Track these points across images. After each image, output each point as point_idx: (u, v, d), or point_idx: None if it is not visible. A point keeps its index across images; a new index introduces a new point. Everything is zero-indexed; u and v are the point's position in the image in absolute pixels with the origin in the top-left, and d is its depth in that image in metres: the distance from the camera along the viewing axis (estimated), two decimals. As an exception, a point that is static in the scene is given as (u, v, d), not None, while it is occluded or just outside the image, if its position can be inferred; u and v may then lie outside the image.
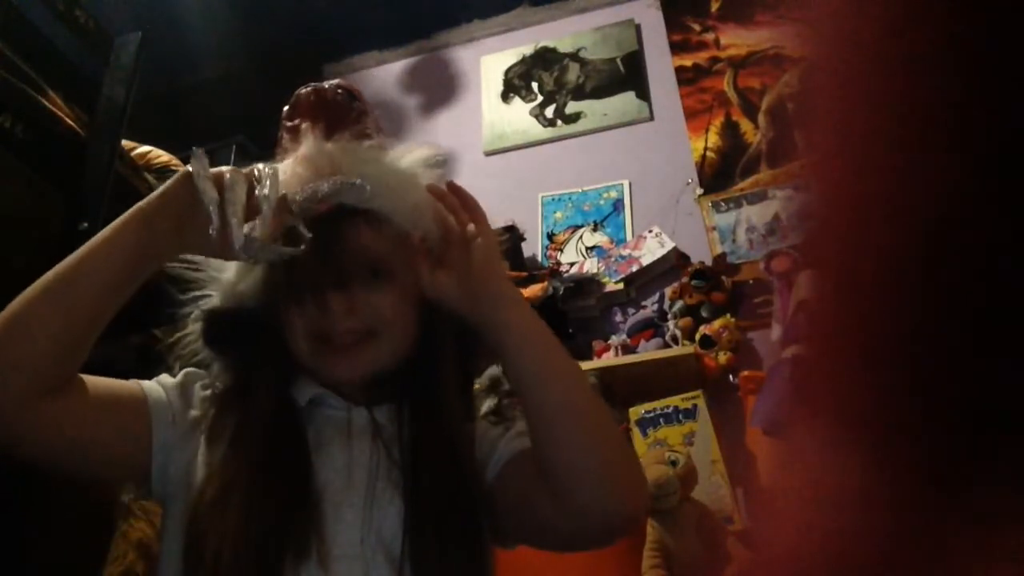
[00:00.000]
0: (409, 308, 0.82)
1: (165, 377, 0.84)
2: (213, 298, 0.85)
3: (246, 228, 0.69)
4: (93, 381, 0.75)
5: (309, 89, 0.96)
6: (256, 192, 0.71)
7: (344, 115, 0.91)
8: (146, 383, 0.80)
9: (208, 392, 0.83)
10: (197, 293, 0.85)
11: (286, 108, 0.95)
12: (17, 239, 1.60)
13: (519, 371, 0.74)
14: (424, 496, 0.75)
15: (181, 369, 0.85)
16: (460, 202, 0.79)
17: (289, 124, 0.91)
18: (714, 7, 2.79)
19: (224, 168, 0.72)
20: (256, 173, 0.72)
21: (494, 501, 0.79)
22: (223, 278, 0.85)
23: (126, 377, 0.81)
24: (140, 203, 0.72)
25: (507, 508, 0.79)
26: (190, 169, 0.71)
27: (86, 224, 1.56)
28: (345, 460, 0.78)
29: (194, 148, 0.71)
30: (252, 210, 0.70)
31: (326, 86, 0.96)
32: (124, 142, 1.80)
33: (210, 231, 0.69)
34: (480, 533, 0.76)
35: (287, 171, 0.80)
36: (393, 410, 0.82)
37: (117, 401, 0.76)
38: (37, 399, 0.68)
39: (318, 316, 0.79)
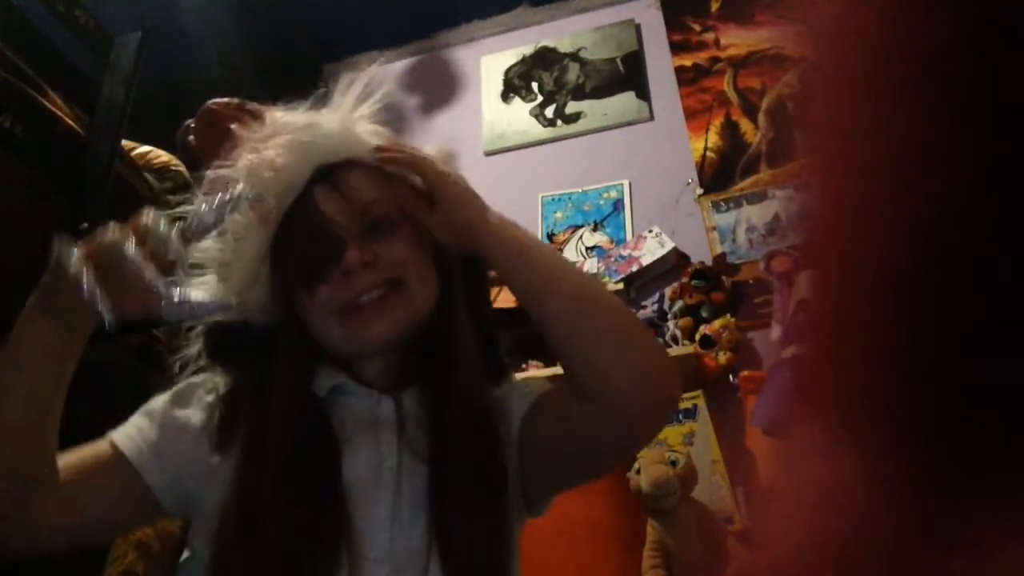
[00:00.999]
0: (421, 252, 0.81)
1: (151, 404, 0.81)
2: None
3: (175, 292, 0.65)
4: (68, 463, 0.73)
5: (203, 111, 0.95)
6: (154, 247, 0.66)
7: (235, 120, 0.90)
8: (117, 435, 0.78)
9: (213, 396, 0.81)
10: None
11: (190, 136, 0.96)
12: (17, 239, 1.60)
13: (519, 288, 0.75)
14: (451, 488, 0.73)
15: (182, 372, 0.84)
16: (400, 152, 0.79)
17: (202, 139, 0.92)
18: (714, 7, 2.79)
19: (103, 240, 0.67)
20: (143, 227, 0.67)
21: (524, 464, 0.78)
22: (222, 292, 0.82)
23: (126, 376, 0.81)
24: (31, 300, 0.68)
25: (539, 460, 0.78)
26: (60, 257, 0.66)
27: (86, 224, 1.56)
28: (372, 454, 0.76)
29: (56, 236, 0.67)
30: (160, 267, 0.66)
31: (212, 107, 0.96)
32: (124, 142, 1.80)
33: (102, 312, 0.63)
34: (509, 519, 0.75)
35: (254, 160, 0.78)
36: (419, 393, 0.80)
37: (98, 471, 0.74)
38: (24, 508, 0.68)
39: (337, 287, 0.77)
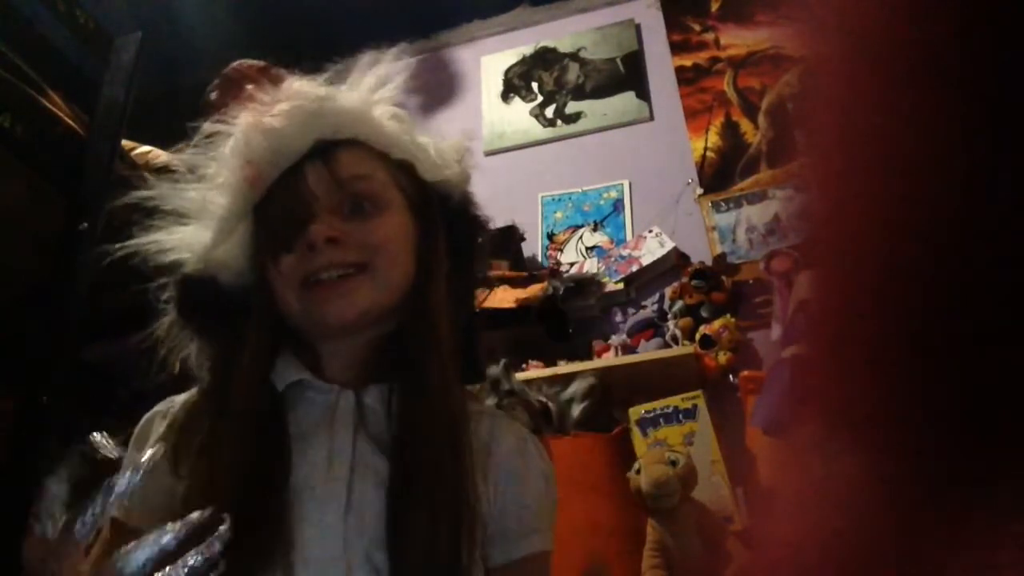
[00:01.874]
0: (402, 241, 0.79)
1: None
2: (187, 264, 0.81)
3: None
4: None
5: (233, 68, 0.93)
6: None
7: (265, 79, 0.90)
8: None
9: (168, 417, 0.78)
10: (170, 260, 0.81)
11: (211, 94, 0.93)
12: (17, 239, 1.60)
13: None
14: (409, 487, 0.70)
15: (173, 362, 0.81)
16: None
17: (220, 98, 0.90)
18: (714, 7, 2.79)
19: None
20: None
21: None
22: (197, 243, 0.80)
23: (127, 377, 0.81)
24: None
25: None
26: None
27: (86, 224, 1.56)
28: (326, 451, 0.73)
29: None
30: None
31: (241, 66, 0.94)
32: (124, 142, 1.80)
33: None
34: (470, 523, 0.71)
35: (250, 120, 0.78)
36: (384, 391, 0.77)
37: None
38: None
39: (299, 260, 0.75)
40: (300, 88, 0.81)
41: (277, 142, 0.77)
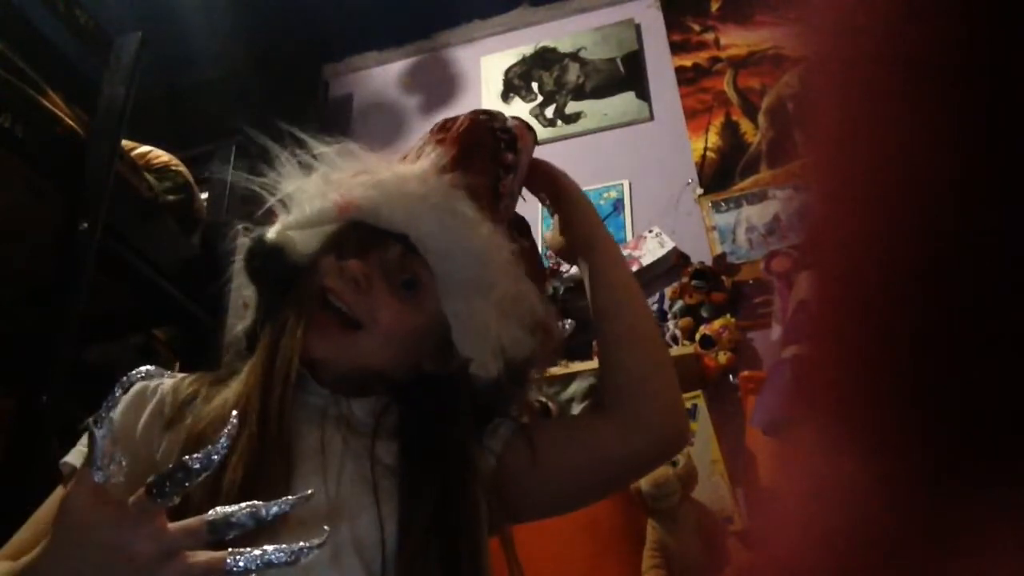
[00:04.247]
0: (411, 335, 0.79)
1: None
2: (270, 231, 0.85)
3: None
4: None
5: (472, 119, 0.90)
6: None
7: (485, 158, 0.88)
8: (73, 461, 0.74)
9: (161, 388, 0.78)
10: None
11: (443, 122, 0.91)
12: (17, 239, 1.60)
13: (605, 291, 0.86)
14: (409, 497, 0.72)
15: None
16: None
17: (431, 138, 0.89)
18: (714, 7, 2.79)
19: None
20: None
21: (499, 484, 0.78)
22: (283, 217, 0.84)
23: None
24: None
25: (528, 481, 0.79)
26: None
27: (86, 224, 1.56)
28: (317, 442, 0.74)
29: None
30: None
31: (490, 119, 0.91)
32: (124, 142, 1.80)
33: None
34: (469, 526, 0.73)
35: (380, 180, 0.81)
36: (374, 404, 0.79)
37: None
38: None
39: (333, 272, 0.77)
40: (445, 190, 0.81)
41: (376, 207, 0.80)
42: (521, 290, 0.82)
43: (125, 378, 0.74)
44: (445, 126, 0.89)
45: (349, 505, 0.71)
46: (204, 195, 2.29)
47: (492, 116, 0.91)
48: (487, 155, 0.87)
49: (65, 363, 1.48)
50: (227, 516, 0.57)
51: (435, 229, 0.80)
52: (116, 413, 0.75)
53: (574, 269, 2.43)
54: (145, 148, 2.10)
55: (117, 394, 0.67)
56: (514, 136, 0.90)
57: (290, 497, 0.58)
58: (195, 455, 0.56)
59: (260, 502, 0.57)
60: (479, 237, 0.80)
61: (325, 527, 0.58)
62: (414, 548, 0.69)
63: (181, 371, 0.84)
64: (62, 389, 1.46)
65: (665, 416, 0.82)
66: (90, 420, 0.58)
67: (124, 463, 0.57)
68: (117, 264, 1.74)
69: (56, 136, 1.57)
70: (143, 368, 0.78)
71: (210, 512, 0.57)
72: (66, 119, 1.61)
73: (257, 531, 0.58)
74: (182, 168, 2.16)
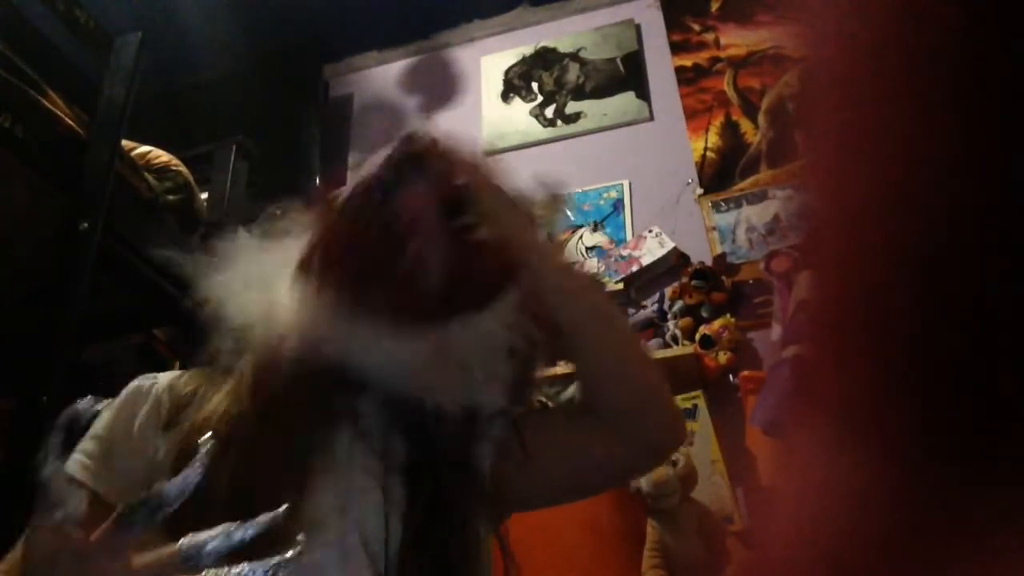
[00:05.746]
0: None
1: (99, 430, 0.75)
2: None
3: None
4: None
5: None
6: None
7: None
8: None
9: (157, 388, 0.77)
10: None
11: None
12: (17, 239, 1.60)
13: (569, 321, 0.79)
14: (409, 498, 0.72)
15: None
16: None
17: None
18: (714, 7, 2.79)
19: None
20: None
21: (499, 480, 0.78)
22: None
23: (126, 376, 0.80)
24: None
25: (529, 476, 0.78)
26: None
27: (86, 224, 1.56)
28: (325, 441, 0.73)
29: None
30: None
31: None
32: (124, 142, 1.80)
33: None
34: (470, 523, 0.74)
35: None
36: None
37: None
38: None
39: None
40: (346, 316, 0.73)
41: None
42: (465, 358, 0.73)
43: (63, 415, 0.66)
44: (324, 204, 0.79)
45: (357, 506, 0.71)
46: (204, 195, 2.29)
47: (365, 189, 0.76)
48: (374, 247, 0.72)
49: (65, 363, 1.48)
50: (199, 544, 0.56)
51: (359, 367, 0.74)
52: (102, 424, 0.74)
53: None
54: (145, 148, 2.10)
55: (56, 437, 0.61)
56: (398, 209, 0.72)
57: (262, 516, 0.57)
58: (168, 484, 0.56)
59: (233, 524, 0.56)
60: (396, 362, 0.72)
61: (299, 536, 0.57)
62: (408, 550, 0.69)
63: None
64: (62, 389, 1.46)
65: (661, 433, 0.82)
66: (41, 461, 0.57)
67: (83, 499, 0.57)
68: (117, 264, 1.74)
69: (56, 136, 1.57)
70: (81, 403, 0.68)
71: (182, 540, 0.56)
72: (66, 119, 1.61)
73: (270, 538, 0.57)
74: (182, 168, 2.16)
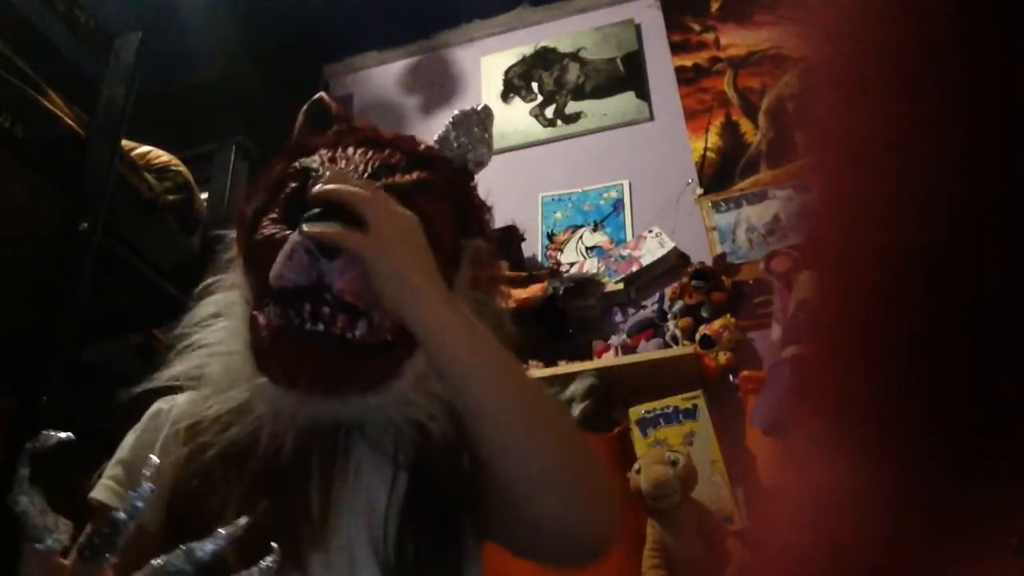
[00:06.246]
0: None
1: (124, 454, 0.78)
2: None
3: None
4: None
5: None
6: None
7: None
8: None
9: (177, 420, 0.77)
10: None
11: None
12: (17, 239, 1.60)
13: (449, 383, 0.67)
14: (409, 489, 0.72)
15: None
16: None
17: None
18: (714, 7, 2.79)
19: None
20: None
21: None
22: None
23: (127, 378, 0.80)
24: None
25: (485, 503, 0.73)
26: None
27: (86, 224, 1.56)
28: (333, 445, 0.74)
29: None
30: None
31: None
32: (124, 142, 1.80)
33: None
34: (463, 527, 0.73)
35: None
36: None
37: None
38: None
39: None
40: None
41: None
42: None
43: (24, 449, 0.64)
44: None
45: (367, 509, 0.71)
46: (204, 195, 2.29)
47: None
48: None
49: (65, 363, 1.48)
50: (161, 567, 0.56)
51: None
52: (127, 448, 0.77)
53: (574, 269, 2.43)
54: (145, 148, 2.10)
55: (22, 469, 0.61)
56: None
57: (222, 531, 0.57)
58: (118, 507, 0.58)
59: (195, 543, 0.56)
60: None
61: (273, 543, 0.57)
62: (412, 550, 0.69)
63: None
64: (62, 389, 1.46)
65: (593, 545, 0.72)
66: (12, 496, 0.59)
67: (63, 523, 0.59)
68: (117, 264, 1.74)
69: (56, 136, 1.57)
70: (41, 436, 0.65)
71: (145, 567, 0.56)
72: (66, 119, 1.61)
73: (242, 551, 0.57)
74: (182, 168, 2.16)
